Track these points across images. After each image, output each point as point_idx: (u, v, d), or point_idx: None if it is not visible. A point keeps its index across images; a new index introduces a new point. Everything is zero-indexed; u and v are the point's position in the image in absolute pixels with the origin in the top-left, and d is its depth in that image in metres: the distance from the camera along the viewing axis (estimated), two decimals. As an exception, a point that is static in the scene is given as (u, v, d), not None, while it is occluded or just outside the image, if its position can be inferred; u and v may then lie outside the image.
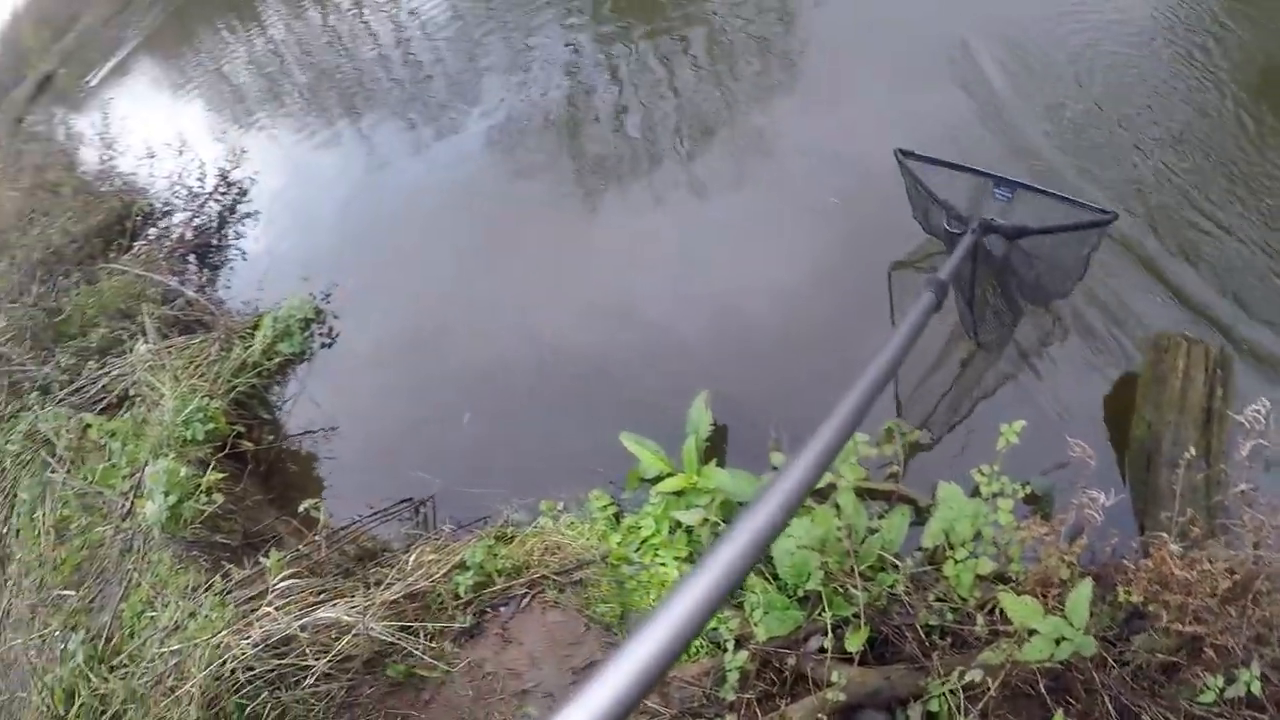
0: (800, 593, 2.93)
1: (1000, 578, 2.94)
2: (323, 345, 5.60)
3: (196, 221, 7.54)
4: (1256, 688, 2.47)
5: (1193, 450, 3.15)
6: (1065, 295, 3.94)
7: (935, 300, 2.57)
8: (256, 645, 3.11)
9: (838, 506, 2.86)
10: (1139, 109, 4.89)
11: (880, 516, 3.02)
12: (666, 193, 5.65)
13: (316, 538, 3.86)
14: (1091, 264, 3.63)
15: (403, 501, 4.24)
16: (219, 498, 4.17)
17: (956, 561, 2.90)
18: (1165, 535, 2.96)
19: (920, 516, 3.09)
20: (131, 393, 5.28)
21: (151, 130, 8.78)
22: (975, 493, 2.93)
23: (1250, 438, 3.09)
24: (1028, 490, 3.00)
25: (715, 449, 3.67)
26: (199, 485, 4.18)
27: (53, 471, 4.89)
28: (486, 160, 6.56)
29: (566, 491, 3.70)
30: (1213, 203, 4.32)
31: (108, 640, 3.79)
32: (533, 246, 5.61)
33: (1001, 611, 2.81)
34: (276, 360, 5.46)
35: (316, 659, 3.12)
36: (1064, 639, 2.68)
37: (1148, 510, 3.41)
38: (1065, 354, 3.96)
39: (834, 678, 2.87)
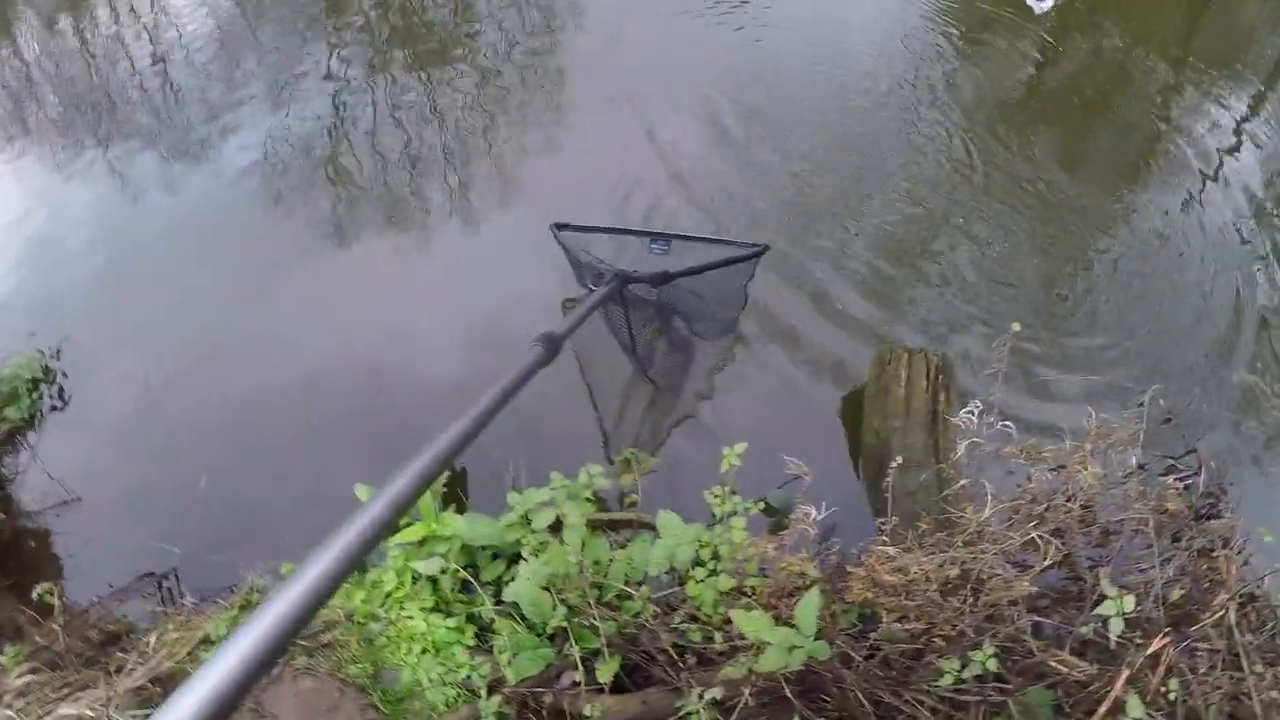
0: (548, 630, 2.89)
1: (741, 591, 3.05)
2: (53, 408, 4.96)
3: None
4: (993, 665, 2.65)
5: (903, 457, 3.43)
6: (733, 327, 4.30)
7: (545, 354, 2.58)
8: None
9: (564, 540, 2.87)
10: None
11: (621, 546, 3.05)
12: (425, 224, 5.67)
13: (55, 626, 3.43)
14: (749, 293, 4.01)
15: (143, 577, 3.85)
16: None
17: (697, 581, 2.99)
18: (885, 538, 3.22)
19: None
20: None
21: None
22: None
23: (965, 437, 3.44)
24: (762, 506, 3.15)
25: (455, 495, 3.59)
26: None
27: None
28: (245, 195, 6.17)
29: (305, 551, 3.44)
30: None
31: None
32: (290, 288, 5.33)
33: (742, 629, 2.93)
34: (5, 428, 4.80)
35: None
36: (795, 647, 2.81)
37: (881, 511, 3.71)
38: (802, 375, 4.28)
39: (589, 710, 2.86)
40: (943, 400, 3.94)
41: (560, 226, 3.95)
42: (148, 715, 3.00)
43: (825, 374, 4.33)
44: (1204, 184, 5.89)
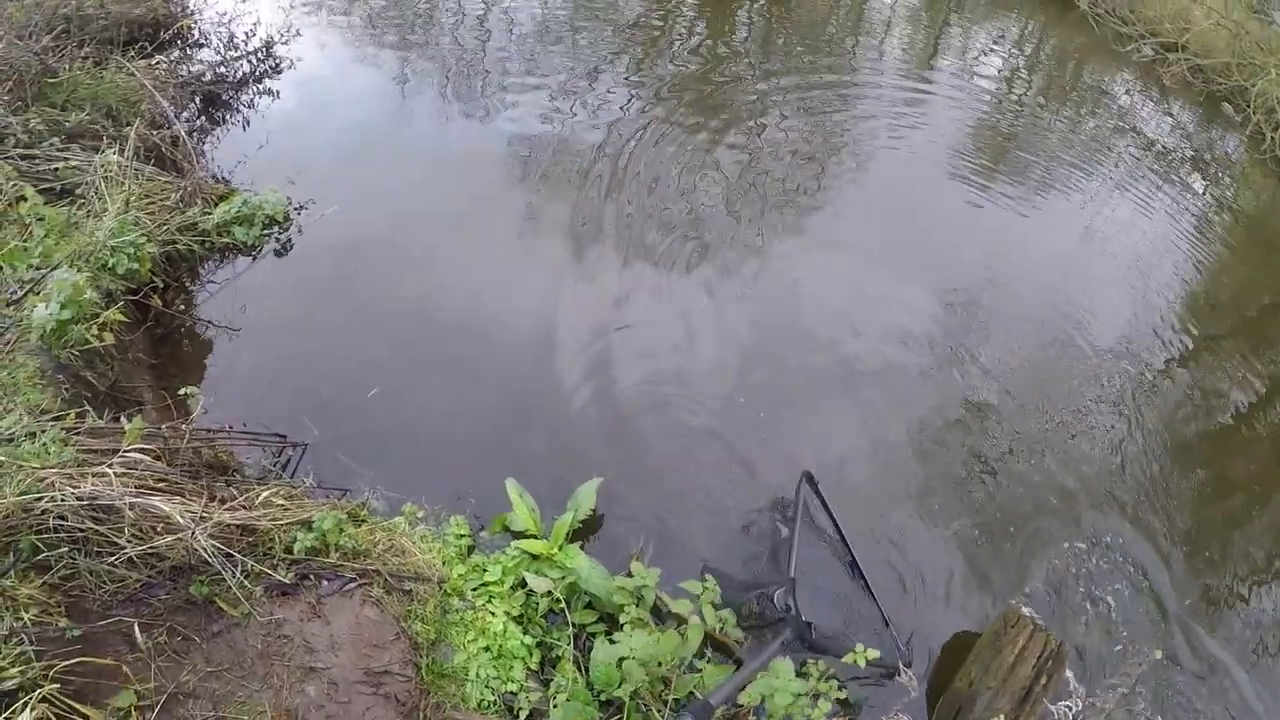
0: (604, 697, 2.92)
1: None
2: (275, 251, 5.42)
3: (222, 69, 7.33)
4: None
5: (1001, 718, 3.35)
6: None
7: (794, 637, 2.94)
8: (81, 500, 2.89)
9: (683, 635, 2.91)
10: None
11: (708, 662, 3.06)
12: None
13: (184, 427, 3.64)
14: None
15: (277, 435, 4.07)
16: (109, 338, 3.95)
17: (765, 728, 2.96)
18: None
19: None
20: (79, 192, 4.95)
21: None
22: (799, 675, 3.02)
23: None
24: (843, 695, 3.11)
25: (583, 532, 3.70)
26: (97, 315, 3.96)
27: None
28: (496, 158, 6.67)
29: (432, 504, 3.62)
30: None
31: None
32: (533, 261, 5.68)
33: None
34: (226, 240, 5.26)
35: (130, 542, 2.91)
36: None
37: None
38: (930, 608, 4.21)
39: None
40: (1044, 681, 3.80)
41: (810, 480, 4.18)
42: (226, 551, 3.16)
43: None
44: None
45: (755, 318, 5.63)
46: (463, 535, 3.42)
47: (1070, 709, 3.72)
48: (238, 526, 3.31)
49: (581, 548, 3.39)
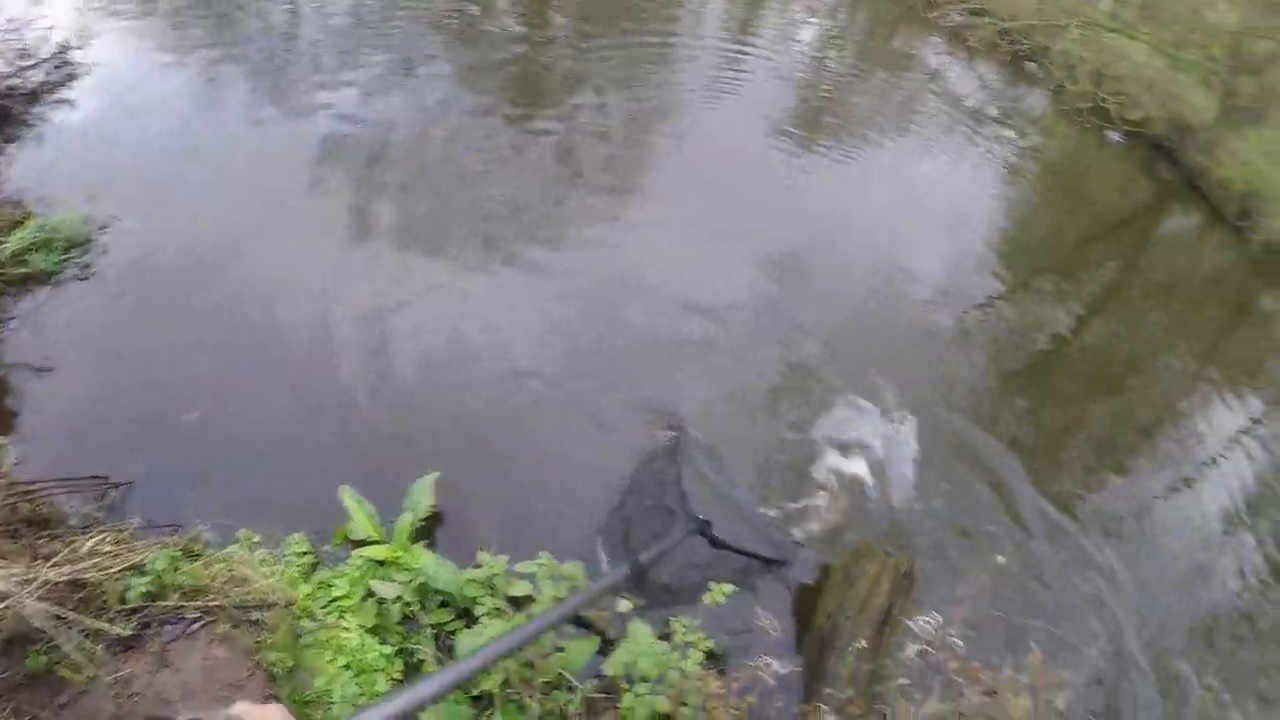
0: (474, 692, 2.89)
1: (668, 718, 3.08)
2: (77, 277, 4.95)
3: (14, 81, 6.63)
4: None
5: (864, 643, 3.58)
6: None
7: (630, 576, 2.97)
8: None
9: (530, 617, 2.91)
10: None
11: (571, 639, 3.09)
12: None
13: None
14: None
15: (96, 478, 3.75)
16: None
17: (638, 695, 3.02)
18: (823, 706, 3.32)
19: (606, 650, 3.19)
20: None
21: None
22: (666, 638, 3.10)
23: (918, 643, 3.58)
24: (709, 646, 3.21)
25: (427, 531, 3.63)
26: None
27: None
28: (318, 154, 6.36)
29: (268, 525, 3.44)
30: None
31: None
32: (350, 260, 5.42)
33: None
34: (24, 270, 4.79)
35: None
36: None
37: (815, 687, 3.77)
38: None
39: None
40: (899, 603, 4.08)
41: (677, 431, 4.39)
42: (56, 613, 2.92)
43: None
44: (1199, 476, 6.25)
45: (577, 296, 5.63)
46: (304, 553, 3.27)
47: (930, 623, 3.98)
48: (66, 583, 3.04)
49: (428, 547, 3.32)
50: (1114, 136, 11.63)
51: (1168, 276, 9.71)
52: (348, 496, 3.34)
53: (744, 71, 9.72)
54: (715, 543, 4.11)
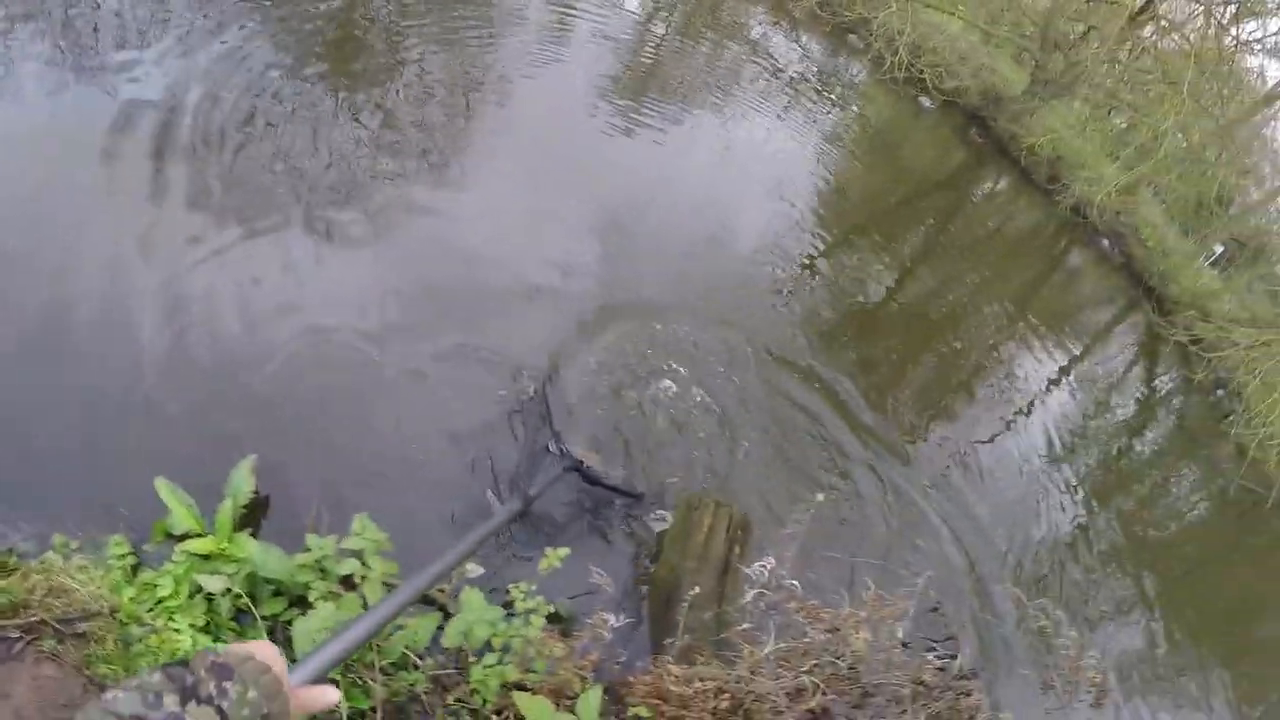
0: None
1: (522, 686, 3.23)
2: None
3: None
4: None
5: (698, 589, 3.83)
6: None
7: (520, 509, 3.21)
8: None
9: (364, 598, 2.96)
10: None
11: (411, 616, 3.16)
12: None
13: None
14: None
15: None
16: None
17: (486, 667, 3.13)
18: (668, 657, 3.56)
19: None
20: None
21: None
22: (507, 605, 3.24)
23: (755, 587, 3.87)
24: (552, 610, 3.39)
25: (252, 519, 3.51)
26: None
27: None
28: (119, 121, 5.70)
29: (84, 527, 3.22)
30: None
31: None
32: (153, 234, 4.96)
33: (518, 716, 3.10)
34: None
35: None
36: (576, 734, 3.01)
37: (661, 640, 4.03)
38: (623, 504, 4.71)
39: (343, 770, 2.87)
40: (736, 551, 4.41)
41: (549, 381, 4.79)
42: None
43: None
44: (1017, 418, 7.05)
45: (396, 262, 5.53)
46: (125, 554, 3.12)
47: (765, 567, 4.32)
48: None
49: (254, 535, 3.26)
50: (930, 105, 12.65)
51: (982, 235, 10.76)
52: (163, 488, 3.20)
53: (569, 33, 9.68)
54: (586, 478, 4.53)
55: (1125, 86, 14.15)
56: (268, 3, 7.63)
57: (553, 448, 4.59)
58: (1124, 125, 15.53)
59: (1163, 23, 13.16)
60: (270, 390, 4.29)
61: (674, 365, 5.56)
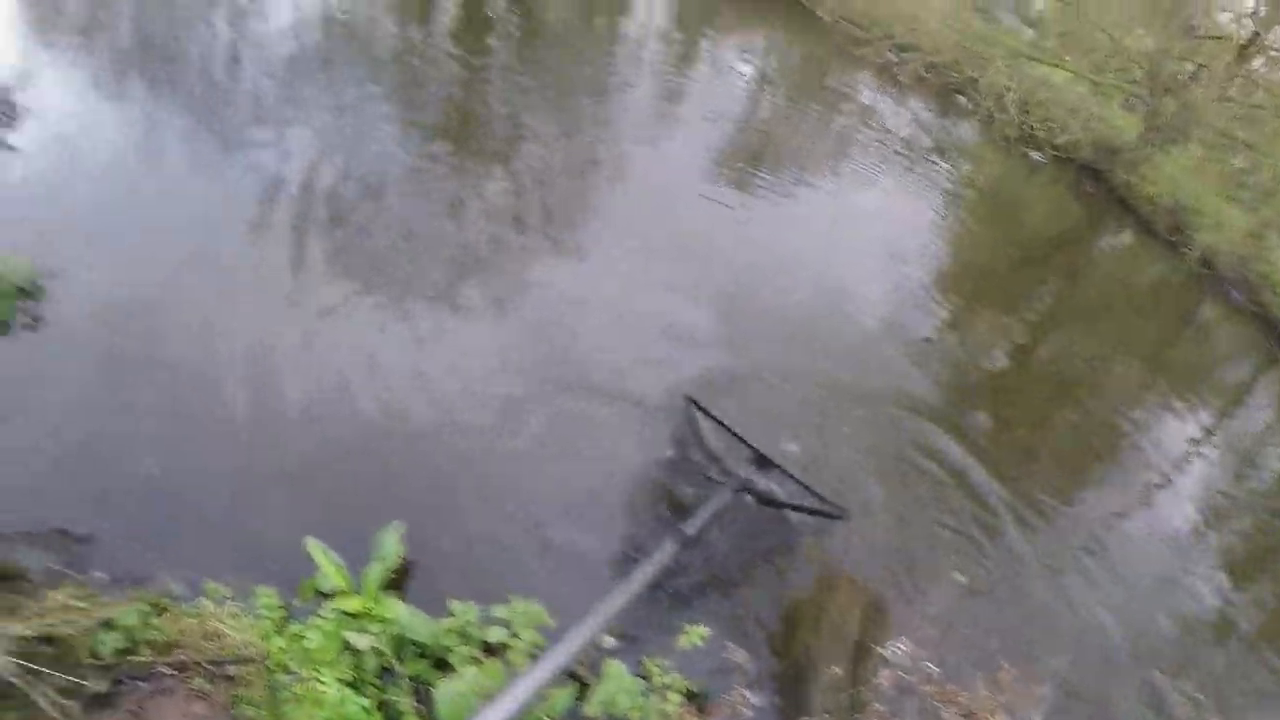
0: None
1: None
2: (27, 326, 4.77)
3: (-47, 124, 6.40)
4: None
5: (833, 669, 3.66)
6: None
7: (679, 547, 2.96)
8: None
9: (508, 664, 2.94)
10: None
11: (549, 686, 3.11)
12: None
13: None
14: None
15: (57, 531, 3.64)
16: None
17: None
18: None
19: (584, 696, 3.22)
20: None
21: None
22: (644, 679, 3.15)
23: (889, 668, 3.68)
24: (689, 687, 3.27)
25: (396, 582, 3.60)
26: None
27: None
28: (261, 198, 6.27)
29: (236, 578, 3.39)
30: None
31: None
32: (298, 305, 5.36)
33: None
34: (-28, 318, 4.61)
35: None
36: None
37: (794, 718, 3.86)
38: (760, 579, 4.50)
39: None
40: (870, 630, 4.19)
41: (694, 402, 4.27)
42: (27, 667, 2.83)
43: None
44: (1155, 484, 6.50)
45: (526, 337, 5.67)
46: (275, 606, 3.24)
47: (899, 648, 4.09)
48: (35, 637, 2.97)
49: (399, 597, 3.33)
50: (1042, 160, 12.24)
51: (1107, 292, 10.17)
52: (315, 548, 3.33)
53: (679, 107, 9.95)
54: (763, 499, 4.05)
55: (1240, 125, 13.30)
56: (391, 83, 8.21)
57: (714, 474, 4.15)
58: (1243, 166, 14.54)
59: (1271, 52, 12.38)
60: (407, 456, 4.48)
61: (798, 432, 5.42)
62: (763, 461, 4.19)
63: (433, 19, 11.52)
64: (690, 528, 3.58)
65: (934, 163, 10.88)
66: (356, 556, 3.45)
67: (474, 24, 11.47)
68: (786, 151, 9.78)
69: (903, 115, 12.22)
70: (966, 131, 12.60)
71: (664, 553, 3.25)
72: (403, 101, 8.31)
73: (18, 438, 4.19)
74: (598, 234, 6.90)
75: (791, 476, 4.23)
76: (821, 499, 4.27)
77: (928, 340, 6.90)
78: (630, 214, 7.28)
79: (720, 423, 4.31)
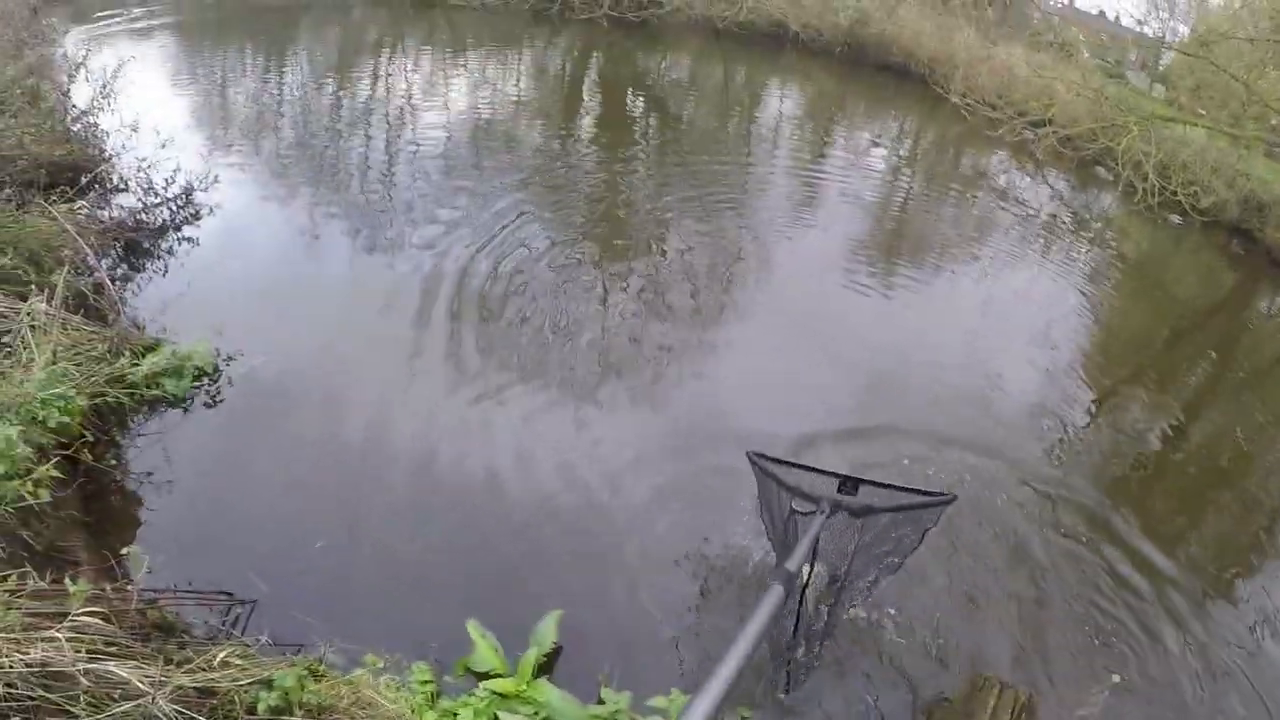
0: None
1: None
2: (205, 403, 5.32)
3: (143, 216, 7.34)
4: None
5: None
6: (895, 570, 4.09)
7: (784, 592, 2.64)
8: (30, 667, 2.77)
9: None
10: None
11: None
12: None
13: (132, 589, 3.55)
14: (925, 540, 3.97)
15: (224, 593, 3.92)
16: (44, 494, 3.83)
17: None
18: None
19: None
20: (4, 340, 4.85)
21: (143, 105, 8.61)
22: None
23: None
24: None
25: (547, 665, 3.66)
26: (29, 471, 3.85)
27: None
28: (418, 293, 6.78)
29: (391, 651, 3.53)
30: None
31: None
32: (460, 395, 5.69)
33: None
34: (154, 393, 5.17)
35: (85, 711, 2.77)
36: None
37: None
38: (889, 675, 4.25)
39: None
40: (1023, 737, 3.84)
41: (759, 455, 4.09)
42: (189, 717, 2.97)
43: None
44: None
45: (676, 429, 5.74)
46: (427, 681, 3.32)
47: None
48: (196, 689, 3.17)
49: (549, 680, 3.34)
50: (1187, 225, 11.48)
51: (1268, 361, 9.31)
52: (474, 629, 3.43)
53: (816, 196, 10.11)
54: (858, 511, 3.60)
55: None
56: (538, 187, 8.70)
57: (798, 505, 3.67)
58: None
59: None
60: (565, 545, 4.61)
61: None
62: (849, 482, 3.83)
63: (576, 125, 12.38)
64: (792, 564, 3.19)
65: (1076, 238, 10.47)
66: (504, 632, 3.52)
67: (615, 127, 12.26)
68: (926, 235, 9.71)
69: (1041, 192, 11.91)
70: (1107, 202, 12.09)
71: (771, 596, 2.82)
72: (549, 202, 8.92)
73: (186, 503, 4.60)
74: (741, 325, 7.02)
75: (883, 484, 3.87)
76: (922, 492, 3.89)
77: (1065, 425, 6.48)
78: (773, 304, 7.39)
79: (794, 464, 4.04)
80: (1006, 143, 12.75)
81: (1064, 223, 10.91)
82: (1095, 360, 7.60)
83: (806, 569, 3.50)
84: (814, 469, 3.91)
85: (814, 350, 6.75)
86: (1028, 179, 12.27)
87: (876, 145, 13.10)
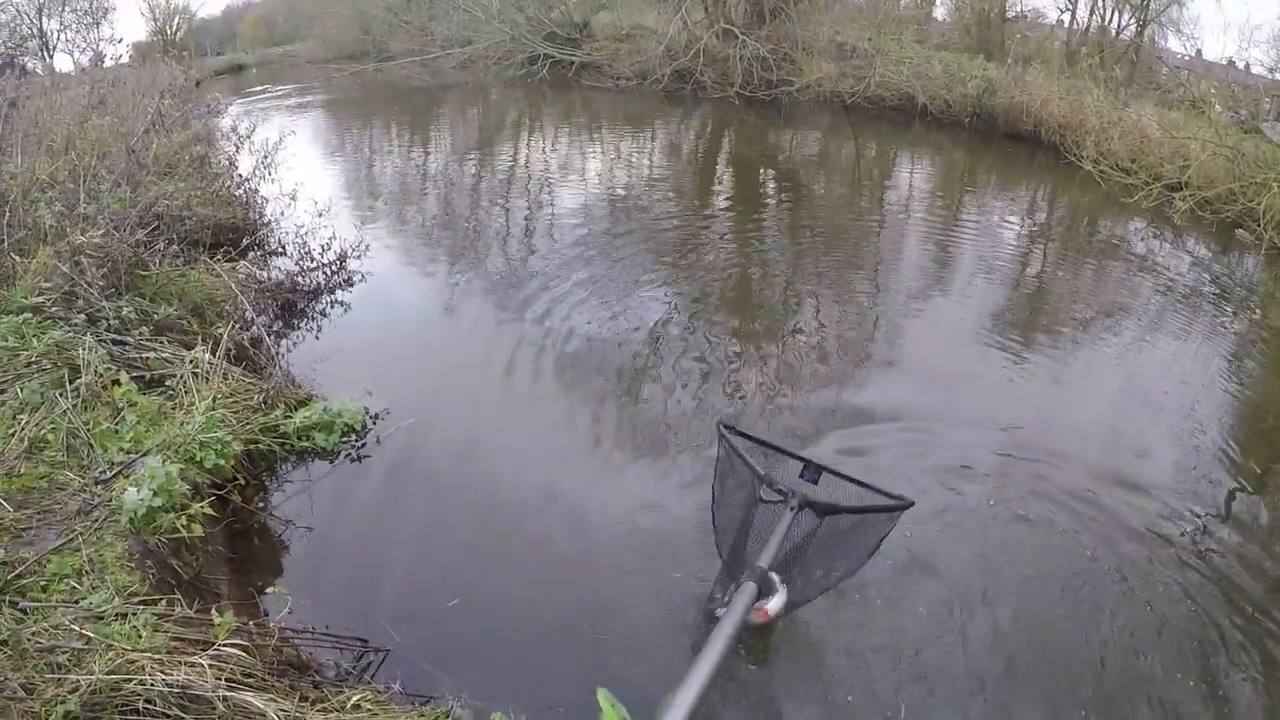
0: None
1: None
2: (351, 458, 5.70)
3: (299, 278, 8.14)
4: None
5: None
6: (847, 576, 3.99)
7: (757, 589, 2.73)
8: (170, 687, 2.96)
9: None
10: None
11: None
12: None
13: (274, 626, 3.81)
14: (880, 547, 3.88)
15: (359, 639, 4.23)
16: (197, 529, 4.15)
17: None
18: None
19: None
20: (168, 384, 5.40)
21: (300, 176, 9.68)
22: None
23: None
24: None
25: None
26: (185, 506, 4.22)
27: (60, 394, 4.82)
28: (558, 365, 7.08)
29: (518, 712, 3.63)
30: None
31: (18, 576, 3.54)
32: (606, 466, 5.85)
33: None
34: (304, 444, 5.61)
35: None
36: None
37: None
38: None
39: None
40: None
41: (728, 427, 4.13)
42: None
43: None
44: None
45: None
46: (552, 743, 3.47)
47: None
48: (331, 731, 3.29)
49: None
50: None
51: None
52: (604, 697, 3.56)
53: (952, 268, 10.07)
54: (824, 510, 3.63)
55: None
56: (671, 265, 9.12)
57: (765, 493, 3.64)
58: None
59: None
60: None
61: (1067, 610, 4.81)
62: (812, 469, 3.91)
63: (708, 200, 12.89)
64: (764, 560, 3.25)
65: (1219, 307, 9.82)
66: (636, 709, 3.61)
67: (747, 201, 12.66)
68: (1061, 307, 9.38)
69: (1181, 259, 11.35)
70: (1251, 266, 11.32)
71: (744, 594, 2.88)
72: (683, 275, 9.29)
73: (327, 550, 4.88)
74: (871, 405, 6.87)
75: (846, 478, 3.93)
76: (883, 494, 3.91)
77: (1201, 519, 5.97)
78: (907, 382, 7.28)
79: (760, 441, 4.08)
80: (1143, 209, 12.30)
81: (1205, 291, 10.20)
82: (1243, 442, 6.85)
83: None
84: (778, 449, 4.01)
85: (948, 426, 6.51)
86: (1166, 246, 11.73)
87: (1009, 216, 12.94)
